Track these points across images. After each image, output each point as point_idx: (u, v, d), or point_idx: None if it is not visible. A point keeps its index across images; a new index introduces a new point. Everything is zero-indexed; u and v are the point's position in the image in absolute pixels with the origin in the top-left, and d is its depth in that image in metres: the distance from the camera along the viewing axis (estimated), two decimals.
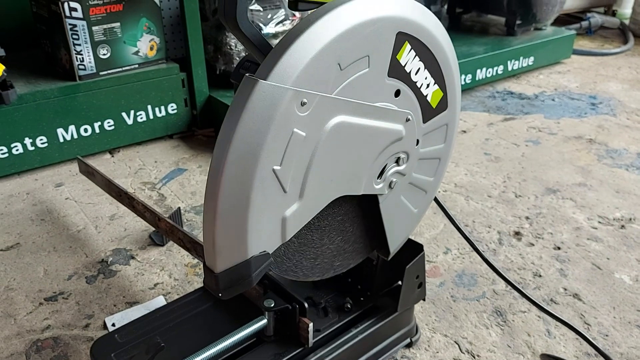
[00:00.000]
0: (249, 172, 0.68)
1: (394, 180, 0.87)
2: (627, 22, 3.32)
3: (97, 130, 1.78)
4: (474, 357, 1.06)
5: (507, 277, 1.17)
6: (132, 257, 1.34)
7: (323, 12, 0.70)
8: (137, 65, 1.82)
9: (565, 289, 1.24)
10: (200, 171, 1.75)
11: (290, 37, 0.69)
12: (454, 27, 2.83)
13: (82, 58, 1.70)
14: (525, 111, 2.24)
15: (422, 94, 0.85)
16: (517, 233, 1.44)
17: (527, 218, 1.51)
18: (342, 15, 0.71)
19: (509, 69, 2.51)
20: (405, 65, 0.80)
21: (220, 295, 0.72)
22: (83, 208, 1.55)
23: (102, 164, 1.80)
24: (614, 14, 3.51)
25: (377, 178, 0.85)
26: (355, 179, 0.81)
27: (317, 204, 0.77)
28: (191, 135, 1.97)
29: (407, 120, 0.84)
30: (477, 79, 2.40)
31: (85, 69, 1.72)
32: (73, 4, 1.63)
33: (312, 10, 0.72)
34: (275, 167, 0.69)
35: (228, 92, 1.96)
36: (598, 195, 1.63)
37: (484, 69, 2.41)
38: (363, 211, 0.89)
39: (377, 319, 1.01)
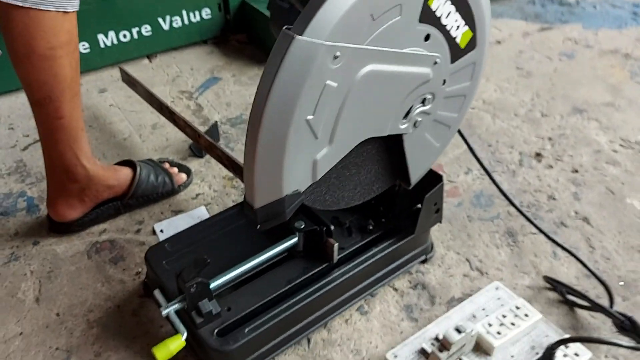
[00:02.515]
0: (284, 122, 0.75)
1: (419, 119, 0.93)
2: None
3: (135, 36, 1.83)
4: (482, 274, 1.18)
5: (521, 199, 1.26)
6: None
7: None
8: None
9: (577, 212, 1.32)
10: (234, 81, 1.80)
11: None
12: None
13: None
14: (564, 19, 2.18)
15: (452, 36, 0.88)
16: (537, 154, 1.50)
17: (549, 139, 1.55)
18: None
19: None
20: (436, 10, 0.83)
21: (258, 227, 0.83)
22: (127, 115, 1.65)
23: (141, 69, 1.87)
24: None
25: (403, 119, 0.91)
26: (381, 121, 0.87)
27: (345, 147, 0.85)
28: (225, 41, 2.00)
29: (435, 63, 0.88)
30: None
31: None
32: None
33: None
34: (308, 117, 0.76)
35: None
36: (624, 116, 1.64)
37: None
38: (387, 147, 0.96)
39: (396, 240, 1.12)
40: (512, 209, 1.32)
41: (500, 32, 2.09)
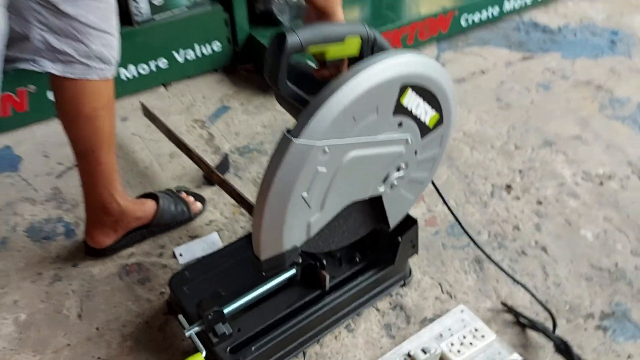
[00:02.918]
0: (285, 199, 0.96)
1: (395, 182, 1.15)
2: None
3: (153, 69, 2.04)
4: (451, 297, 1.40)
5: (489, 229, 1.47)
6: None
7: (344, 81, 0.93)
8: (185, 8, 2.02)
9: (537, 242, 1.54)
10: (242, 110, 2.01)
11: (317, 102, 0.93)
12: None
13: (138, 6, 1.91)
14: (545, 48, 2.37)
15: (421, 121, 1.09)
16: (508, 186, 1.71)
17: (520, 171, 1.76)
18: (360, 83, 0.93)
19: None
20: (407, 105, 1.04)
21: (264, 274, 1.05)
22: (147, 144, 1.87)
23: (158, 97, 2.07)
24: None
25: (381, 183, 1.12)
26: (363, 188, 1.09)
27: (333, 211, 1.07)
28: (233, 70, 2.20)
29: (407, 142, 1.09)
30: (504, 10, 2.48)
31: (141, 15, 1.93)
32: None
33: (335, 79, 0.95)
34: (303, 194, 0.98)
35: (266, 31, 2.15)
36: (589, 149, 1.85)
37: None
38: (369, 202, 1.18)
39: (379, 269, 1.34)
40: (481, 238, 1.54)
41: (486, 61, 2.29)
